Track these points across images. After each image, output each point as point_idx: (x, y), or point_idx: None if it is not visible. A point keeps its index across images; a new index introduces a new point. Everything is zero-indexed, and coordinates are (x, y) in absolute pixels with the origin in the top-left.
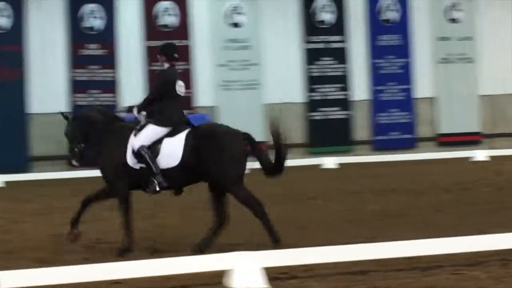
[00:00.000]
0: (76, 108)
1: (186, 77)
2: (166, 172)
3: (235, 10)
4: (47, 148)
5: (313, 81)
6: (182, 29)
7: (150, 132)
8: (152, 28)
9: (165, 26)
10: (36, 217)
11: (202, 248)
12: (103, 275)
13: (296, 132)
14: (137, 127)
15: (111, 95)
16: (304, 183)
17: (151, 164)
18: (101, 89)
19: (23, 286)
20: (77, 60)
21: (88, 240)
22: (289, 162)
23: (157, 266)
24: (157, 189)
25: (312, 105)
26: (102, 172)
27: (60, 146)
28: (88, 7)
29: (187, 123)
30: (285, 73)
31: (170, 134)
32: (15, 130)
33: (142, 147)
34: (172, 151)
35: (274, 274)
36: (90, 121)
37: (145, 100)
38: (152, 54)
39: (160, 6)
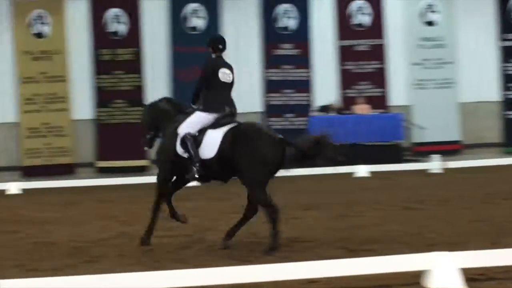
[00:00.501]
0: (270, 108)
1: (380, 76)
2: (204, 162)
3: (430, 8)
4: None
5: (508, 79)
6: (375, 28)
7: (195, 118)
8: (345, 27)
9: (359, 25)
10: (234, 216)
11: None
12: (300, 273)
13: (491, 131)
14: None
15: (304, 94)
16: (499, 182)
17: (192, 152)
18: (294, 88)
19: (222, 283)
20: (271, 60)
21: (286, 239)
22: (485, 162)
23: (353, 266)
24: (196, 176)
25: (508, 103)
26: (156, 157)
27: None
28: (282, 7)
29: (232, 115)
30: (480, 71)
31: (214, 126)
32: None
33: (186, 134)
34: (211, 143)
35: (470, 275)
36: (158, 110)
37: (193, 93)
38: (345, 54)
39: (354, 5)
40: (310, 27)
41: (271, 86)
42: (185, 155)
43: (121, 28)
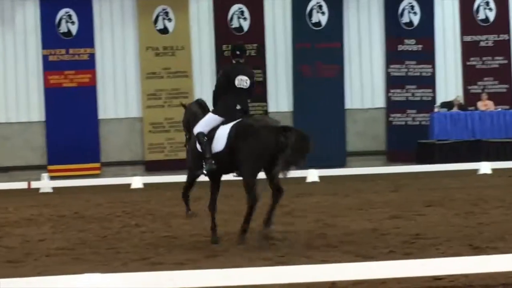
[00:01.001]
0: (392, 103)
1: (504, 72)
2: (216, 156)
3: None
4: (364, 144)
5: None
6: (500, 23)
7: (208, 119)
8: (469, 22)
9: (483, 20)
10: (355, 212)
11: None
12: (425, 270)
13: None
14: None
15: (427, 90)
16: None
17: (204, 148)
18: (417, 84)
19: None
20: (394, 56)
21: (409, 235)
22: None
23: (478, 264)
24: (210, 168)
25: None
26: (186, 156)
27: (378, 141)
28: (406, 2)
29: (245, 112)
30: None
31: (225, 122)
32: (333, 126)
33: (199, 133)
34: (221, 137)
35: None
36: (190, 112)
37: (212, 97)
38: (469, 49)
39: (478, 0)
40: (433, 23)
41: (393, 82)
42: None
43: (244, 23)
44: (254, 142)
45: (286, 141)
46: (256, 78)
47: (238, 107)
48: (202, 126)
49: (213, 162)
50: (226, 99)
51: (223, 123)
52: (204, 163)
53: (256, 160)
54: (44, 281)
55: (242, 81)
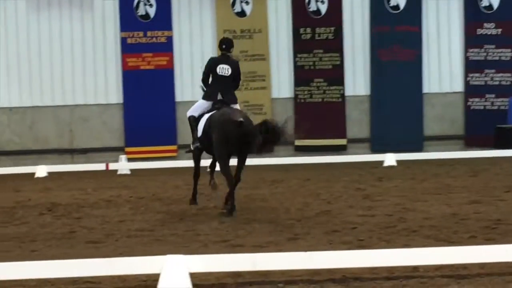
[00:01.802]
0: (471, 88)
1: None
2: (199, 138)
3: None
4: (442, 128)
5: None
6: None
7: (197, 104)
8: None
9: None
10: (434, 196)
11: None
12: (507, 256)
13: None
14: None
15: (507, 74)
16: None
17: (192, 130)
18: (496, 68)
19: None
20: (473, 40)
21: (490, 221)
22: None
23: None
24: (195, 147)
25: None
26: None
27: (456, 125)
28: None
29: (224, 103)
30: None
31: (208, 111)
32: (411, 110)
33: (189, 116)
34: (201, 125)
35: None
36: None
37: (201, 84)
38: None
39: None
40: None
41: (472, 66)
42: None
43: (322, 6)
44: (218, 133)
45: (242, 132)
46: (241, 68)
47: (220, 96)
48: (193, 110)
49: (198, 143)
50: (211, 86)
51: (208, 111)
52: (192, 142)
53: (220, 147)
54: (127, 261)
55: (224, 69)
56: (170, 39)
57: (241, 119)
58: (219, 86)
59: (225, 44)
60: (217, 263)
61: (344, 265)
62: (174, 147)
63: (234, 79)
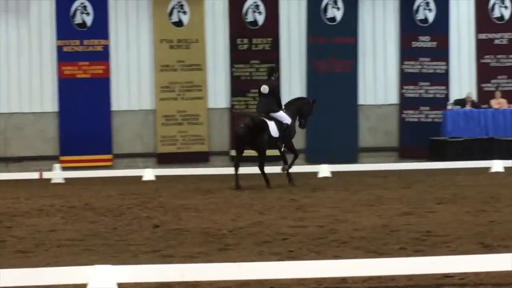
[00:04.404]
0: (405, 100)
1: None
2: None
3: None
4: (376, 140)
5: None
6: None
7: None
8: (484, 20)
9: (499, 18)
10: (366, 208)
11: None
12: (435, 268)
13: None
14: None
15: (441, 87)
16: None
17: None
18: (430, 81)
19: (356, 275)
20: (408, 52)
21: (420, 233)
22: None
23: (488, 262)
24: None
25: None
26: None
27: (390, 137)
28: None
29: (264, 112)
30: None
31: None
32: (346, 121)
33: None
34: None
35: None
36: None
37: None
38: (483, 47)
39: None
40: (448, 20)
41: (407, 78)
42: None
43: (259, 17)
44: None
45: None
46: (275, 87)
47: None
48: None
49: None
50: (259, 100)
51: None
52: None
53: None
54: (54, 271)
55: (264, 89)
56: (106, 47)
57: (242, 125)
58: (262, 100)
59: (268, 71)
60: (145, 273)
61: (273, 276)
62: (109, 156)
63: (272, 95)
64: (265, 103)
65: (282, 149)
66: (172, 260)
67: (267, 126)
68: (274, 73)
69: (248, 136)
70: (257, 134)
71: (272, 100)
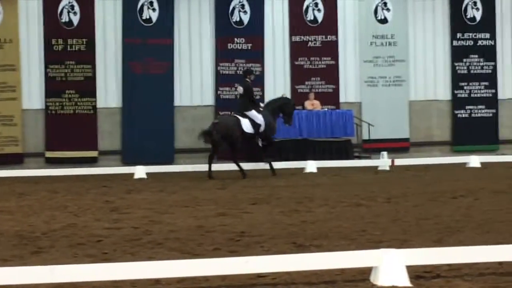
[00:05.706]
0: (221, 101)
1: (331, 72)
2: None
3: (383, 5)
4: (192, 141)
5: (459, 79)
6: (328, 25)
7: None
8: (298, 22)
9: (312, 21)
10: (182, 209)
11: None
12: (248, 268)
13: (441, 129)
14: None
15: (256, 89)
16: (449, 181)
17: None
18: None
19: (170, 276)
20: (224, 54)
21: (234, 233)
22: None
23: (300, 261)
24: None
25: (458, 102)
26: None
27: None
28: (236, 1)
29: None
30: (431, 70)
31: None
32: (163, 122)
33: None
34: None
35: (416, 273)
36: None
37: None
38: (297, 49)
39: (308, 1)
40: (263, 22)
41: (223, 80)
42: None
43: (74, 18)
44: None
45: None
46: (248, 88)
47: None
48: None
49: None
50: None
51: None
52: None
53: None
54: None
55: (239, 90)
56: None
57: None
58: (239, 100)
59: (244, 73)
60: None
61: (87, 278)
62: None
63: (246, 94)
64: (239, 103)
65: (260, 144)
66: None
67: (239, 123)
68: (249, 75)
69: (218, 136)
70: (227, 132)
71: (246, 100)
